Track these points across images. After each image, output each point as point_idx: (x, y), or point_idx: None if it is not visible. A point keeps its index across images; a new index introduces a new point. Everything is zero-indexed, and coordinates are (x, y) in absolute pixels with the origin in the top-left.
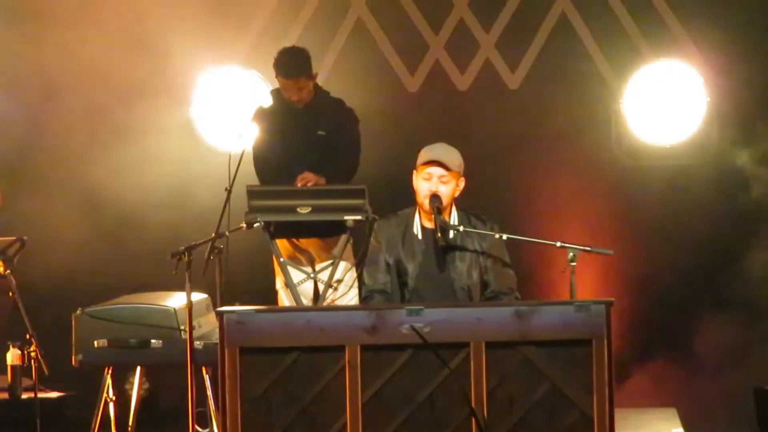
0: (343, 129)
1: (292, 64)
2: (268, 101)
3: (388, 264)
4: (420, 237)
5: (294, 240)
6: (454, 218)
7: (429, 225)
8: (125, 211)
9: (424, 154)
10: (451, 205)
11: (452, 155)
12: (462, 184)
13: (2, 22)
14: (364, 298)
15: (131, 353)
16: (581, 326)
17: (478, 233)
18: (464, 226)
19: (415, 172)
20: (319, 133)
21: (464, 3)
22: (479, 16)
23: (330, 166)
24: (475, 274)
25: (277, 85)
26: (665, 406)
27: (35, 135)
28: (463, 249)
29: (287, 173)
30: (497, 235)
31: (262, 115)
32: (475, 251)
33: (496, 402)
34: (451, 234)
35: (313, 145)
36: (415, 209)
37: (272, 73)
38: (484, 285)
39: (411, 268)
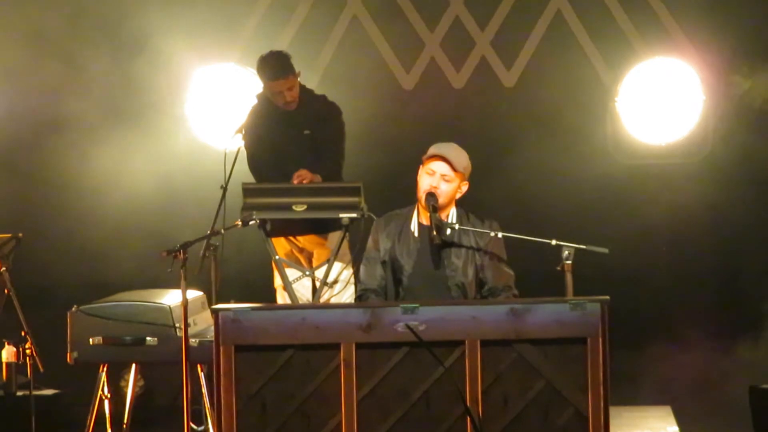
0: (326, 126)
1: (277, 65)
2: (256, 102)
3: (384, 261)
4: (417, 234)
5: (292, 238)
6: (452, 215)
7: (426, 222)
8: (120, 209)
9: (432, 149)
10: (451, 205)
11: (460, 156)
12: (465, 187)
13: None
14: (358, 296)
15: (126, 351)
16: (576, 324)
17: (475, 231)
18: (462, 224)
19: (421, 166)
20: (305, 132)
21: (460, 0)
22: (475, 14)
23: (318, 163)
24: (471, 272)
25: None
26: (660, 404)
27: (31, 133)
28: (459, 246)
29: (279, 173)
30: (492, 233)
31: (253, 113)
32: (471, 248)
33: (490, 400)
34: (448, 231)
35: (301, 145)
36: (415, 206)
37: None
38: (480, 283)
39: (406, 265)
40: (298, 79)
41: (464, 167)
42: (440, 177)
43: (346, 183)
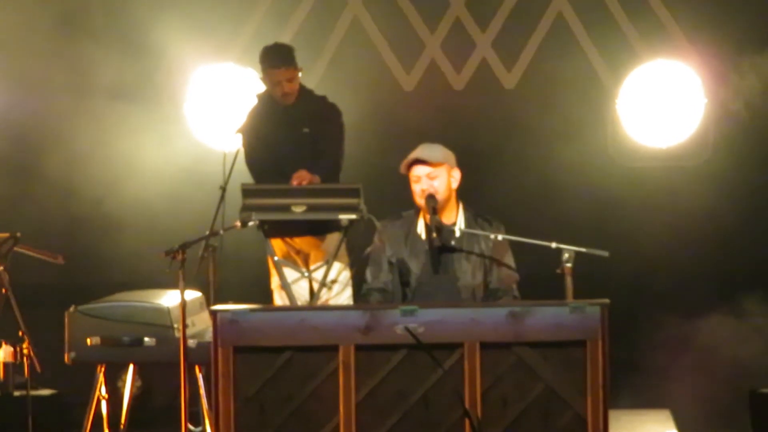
0: (325, 125)
1: (279, 54)
2: (256, 102)
3: (390, 263)
4: (423, 237)
5: (288, 239)
6: (460, 219)
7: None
8: (119, 209)
9: (408, 157)
10: (457, 203)
11: (432, 150)
12: (456, 174)
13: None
14: (362, 295)
15: (124, 351)
16: (576, 327)
17: (483, 235)
18: (470, 227)
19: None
20: (304, 131)
21: (460, 2)
22: (475, 15)
23: (316, 164)
24: (480, 274)
25: (263, 87)
26: (659, 407)
27: (30, 132)
28: (468, 248)
29: (276, 172)
30: (492, 236)
31: (252, 113)
32: (481, 254)
33: (490, 403)
34: (458, 233)
35: (299, 144)
36: (419, 210)
37: None
38: (487, 286)
39: (414, 267)
40: (299, 75)
41: (442, 158)
42: (426, 178)
43: (346, 184)
